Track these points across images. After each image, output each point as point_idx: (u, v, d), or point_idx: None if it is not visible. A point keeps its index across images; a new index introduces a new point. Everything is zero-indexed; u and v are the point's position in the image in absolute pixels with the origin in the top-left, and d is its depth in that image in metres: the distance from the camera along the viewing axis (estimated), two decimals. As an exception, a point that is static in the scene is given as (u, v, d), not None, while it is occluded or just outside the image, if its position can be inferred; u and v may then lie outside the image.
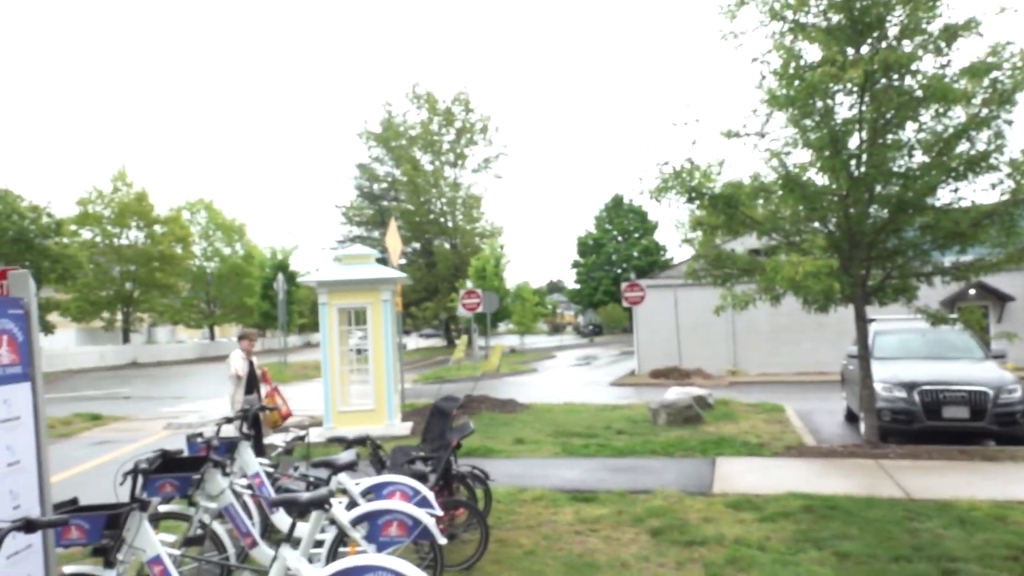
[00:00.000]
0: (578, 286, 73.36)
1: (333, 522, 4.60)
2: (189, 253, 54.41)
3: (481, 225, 57.63)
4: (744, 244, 16.70)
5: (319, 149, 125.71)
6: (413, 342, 61.18)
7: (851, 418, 13.12)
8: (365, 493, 5.44)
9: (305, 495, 3.42)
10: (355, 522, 4.77)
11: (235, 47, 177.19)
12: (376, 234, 53.74)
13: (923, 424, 10.39)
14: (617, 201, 70.17)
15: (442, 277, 53.01)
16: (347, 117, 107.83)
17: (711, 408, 13.84)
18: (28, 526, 2.74)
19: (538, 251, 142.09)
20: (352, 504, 5.24)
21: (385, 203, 58.07)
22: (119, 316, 49.88)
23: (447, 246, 55.95)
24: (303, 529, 4.72)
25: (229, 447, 5.75)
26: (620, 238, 69.69)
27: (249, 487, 5.74)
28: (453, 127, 56.93)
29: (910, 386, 10.56)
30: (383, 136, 56.52)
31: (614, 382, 23.91)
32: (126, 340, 50.91)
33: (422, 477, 5.97)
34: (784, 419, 13.04)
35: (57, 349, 43.11)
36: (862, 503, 7.08)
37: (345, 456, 4.98)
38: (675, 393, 13.28)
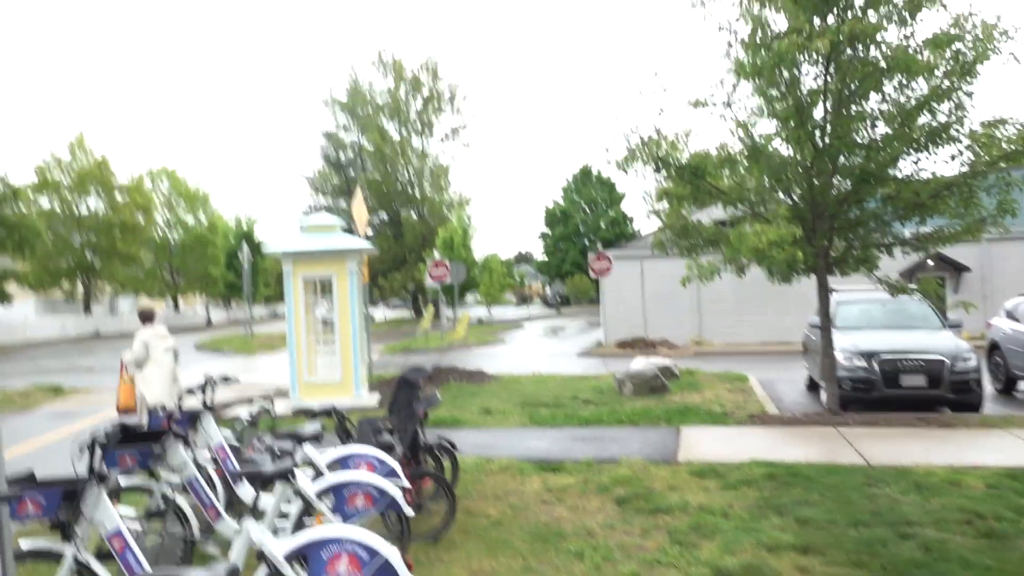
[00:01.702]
0: (545, 257, 73.45)
1: (298, 494, 4.56)
2: (151, 222, 53.35)
3: (449, 195, 57.25)
4: (710, 216, 16.83)
5: (284, 117, 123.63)
6: (381, 313, 60.89)
7: (813, 387, 13.35)
8: (331, 465, 5.41)
9: (269, 467, 3.38)
10: (321, 494, 4.73)
11: (198, 12, 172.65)
12: (343, 203, 53.16)
13: (882, 392, 10.61)
14: (585, 172, 70.14)
15: (410, 247, 52.70)
16: (312, 84, 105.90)
17: (676, 378, 13.99)
18: (-24, 503, 2.67)
19: (506, 222, 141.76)
20: (318, 476, 5.21)
21: (352, 172, 57.40)
22: (79, 286, 48.91)
23: (414, 216, 55.55)
24: (268, 501, 4.69)
25: (191, 419, 5.67)
26: (588, 209, 69.77)
27: (214, 460, 5.68)
28: (420, 95, 56.22)
29: (870, 355, 10.76)
30: (349, 104, 55.71)
31: (581, 353, 24.06)
32: (87, 311, 49.99)
33: (389, 448, 5.94)
34: (748, 388, 13.23)
35: (16, 320, 42.20)
36: (823, 470, 7.21)
37: (310, 427, 4.94)
38: (641, 363, 13.39)
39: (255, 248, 40.32)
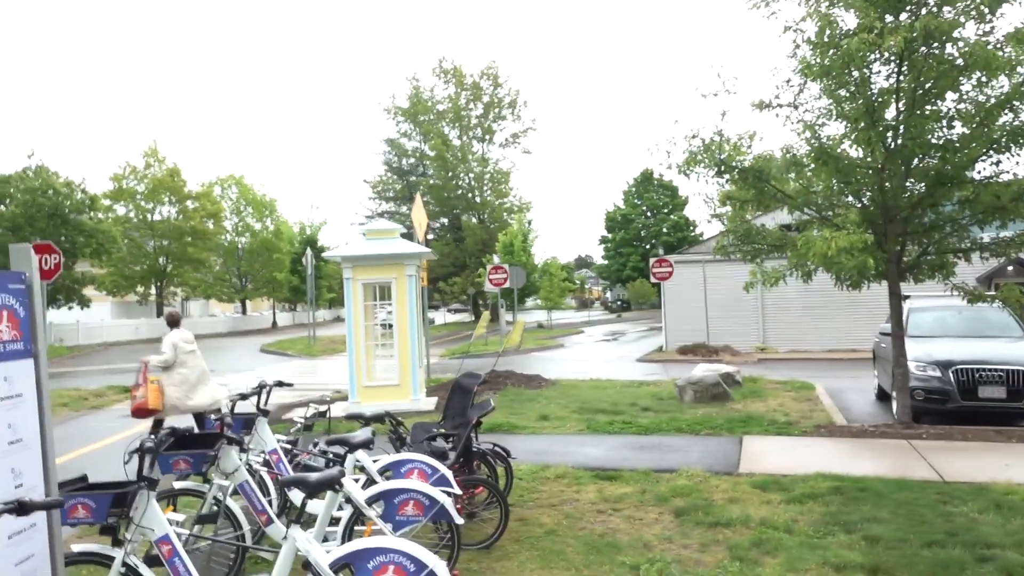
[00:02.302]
0: (606, 262, 72.95)
1: (348, 501, 4.53)
2: (220, 228, 54.84)
3: (509, 200, 57.36)
4: (775, 219, 16.39)
5: (348, 124, 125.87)
6: (441, 317, 61.33)
7: (883, 397, 12.83)
8: (383, 471, 5.38)
9: (314, 476, 3.34)
10: (371, 501, 4.70)
11: (266, 23, 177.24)
12: (405, 209, 53.75)
13: (958, 404, 10.11)
14: (646, 176, 69.45)
15: (470, 252, 52.94)
16: (376, 92, 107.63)
17: (739, 385, 13.64)
18: (20, 508, 2.68)
19: (567, 226, 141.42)
20: (370, 482, 5.18)
21: (413, 178, 58.00)
22: (152, 290, 50.56)
23: (475, 221, 55.81)
24: (319, 507, 4.68)
25: (245, 423, 5.71)
26: (649, 213, 69.08)
27: (267, 464, 5.71)
28: (481, 102, 56.52)
29: (945, 365, 10.26)
30: (411, 111, 56.31)
31: (641, 358, 23.72)
32: (160, 314, 51.66)
33: (441, 455, 5.88)
34: (814, 397, 12.80)
35: (93, 322, 43.84)
36: (893, 485, 6.88)
37: (361, 434, 4.91)
38: (702, 370, 13.09)
39: (318, 253, 40.99)
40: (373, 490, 4.72)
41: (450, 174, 55.09)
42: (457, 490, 5.35)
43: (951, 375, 10.16)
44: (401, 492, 4.78)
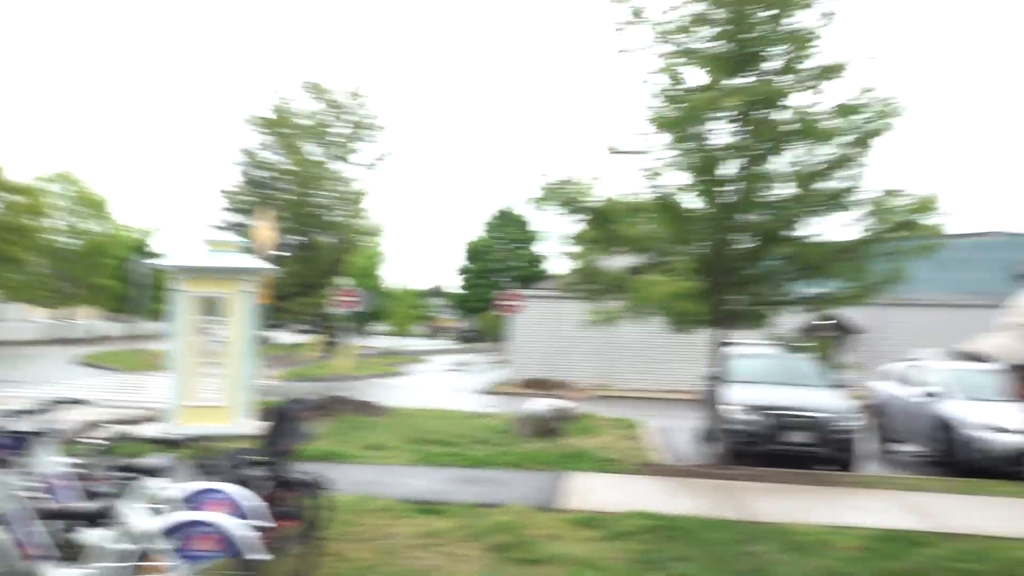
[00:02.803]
0: (463, 291, 73.17)
1: (129, 534, 4.13)
2: (40, 226, 50.45)
3: (364, 222, 56.50)
4: (622, 262, 16.98)
5: (204, 133, 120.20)
6: (284, 337, 59.15)
7: (708, 437, 13.43)
8: (185, 500, 4.97)
9: (79, 507, 2.99)
10: (166, 532, 4.31)
11: (117, 22, 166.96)
12: (259, 224, 51.66)
13: (769, 446, 10.74)
14: (506, 210, 70.54)
15: (321, 272, 51.53)
16: (236, 101, 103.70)
17: (575, 421, 13.86)
18: None
19: (426, 254, 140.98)
20: (165, 512, 4.77)
21: (271, 191, 55.98)
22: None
23: (328, 241, 54.50)
24: (103, 538, 4.23)
25: (20, 443, 5.11)
26: (507, 247, 70.08)
27: (48, 489, 5.13)
28: (345, 121, 55.59)
29: (760, 409, 10.90)
30: (273, 123, 54.51)
31: (485, 390, 23.78)
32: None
33: (254, 484, 5.54)
34: (643, 435, 13.22)
35: None
36: (704, 524, 7.14)
37: (156, 459, 4.51)
38: (538, 404, 13.21)
39: (148, 260, 38.49)
40: (165, 521, 4.34)
41: (307, 191, 53.65)
42: (267, 523, 5.04)
43: (765, 419, 10.80)
44: (198, 524, 4.42)
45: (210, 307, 12.65)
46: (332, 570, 5.66)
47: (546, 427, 12.42)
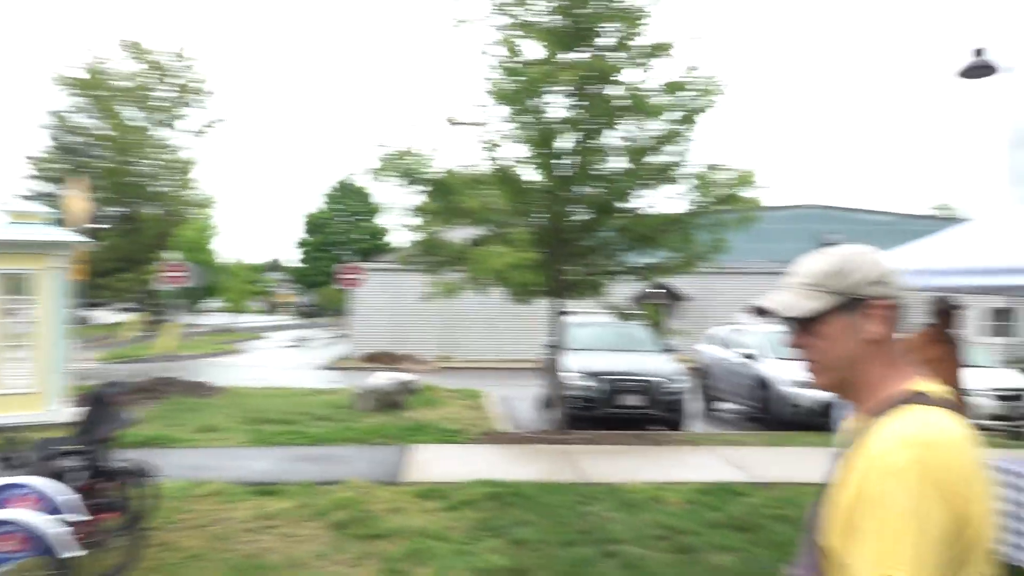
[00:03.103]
0: (303, 265, 70.95)
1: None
2: None
3: (193, 193, 53.36)
4: (462, 234, 17.01)
5: (4, 92, 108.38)
6: (106, 316, 55.06)
7: (545, 404, 13.82)
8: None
9: None
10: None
11: None
12: (69, 192, 47.45)
13: (605, 410, 11.22)
14: (347, 182, 68.86)
15: (145, 246, 48.19)
16: (44, 58, 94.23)
17: (416, 394, 13.84)
18: None
19: (260, 227, 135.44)
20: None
21: (85, 158, 51.49)
22: None
23: (153, 213, 51.06)
24: None
25: None
26: (348, 219, 68.52)
27: None
28: (169, 85, 51.99)
29: (596, 375, 11.34)
30: (86, 84, 50.02)
31: (325, 365, 23.30)
32: None
33: (67, 476, 5.12)
34: (484, 405, 13.42)
35: None
36: (543, 488, 7.33)
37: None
38: (380, 378, 13.09)
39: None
40: (-44, 522, 3.91)
41: (127, 158, 49.85)
42: (82, 516, 4.67)
43: (600, 384, 11.25)
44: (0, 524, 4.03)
45: (16, 285, 11.51)
46: (158, 561, 5.34)
47: (388, 401, 12.32)
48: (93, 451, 5.51)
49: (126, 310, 64.64)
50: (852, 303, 1.42)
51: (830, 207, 33.71)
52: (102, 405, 6.35)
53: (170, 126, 52.74)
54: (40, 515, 4.29)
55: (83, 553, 4.30)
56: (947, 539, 1.22)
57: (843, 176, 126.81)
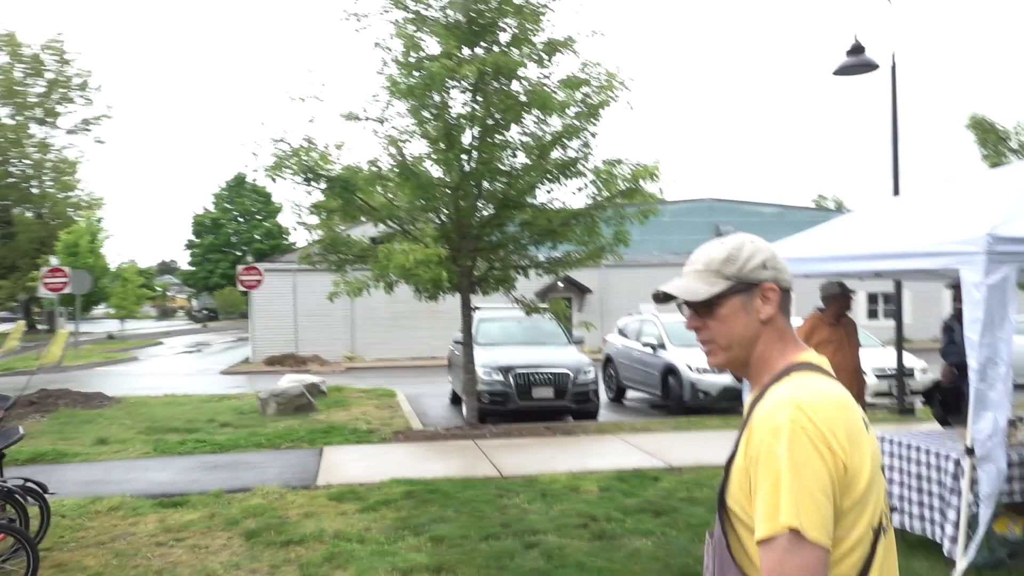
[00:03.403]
0: (193, 268, 68.27)
1: None
2: None
3: (76, 194, 50.49)
4: (365, 232, 16.76)
5: None
6: (-19, 327, 51.52)
7: (456, 401, 13.82)
8: None
9: None
10: None
11: None
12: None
13: (517, 404, 11.30)
14: (239, 180, 66.48)
15: (23, 252, 45.32)
16: None
17: (324, 395, 13.59)
18: None
19: (150, 228, 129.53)
20: None
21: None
22: None
23: (31, 216, 48.06)
24: None
25: None
26: (241, 219, 66.28)
27: None
28: (43, 78, 48.95)
29: (506, 369, 11.41)
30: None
31: (226, 370, 22.54)
32: None
33: (-53, 498, 4.77)
34: (395, 404, 13.29)
35: None
36: (460, 484, 7.33)
37: None
38: (287, 381, 12.78)
39: None
40: None
41: (0, 158, 46.67)
42: (-33, 540, 4.36)
43: (511, 378, 11.32)
44: None
45: None
46: (56, 583, 5.04)
47: (295, 404, 12.04)
48: (-22, 470, 5.15)
49: (2, 320, 60.74)
50: (745, 287, 1.52)
51: (720, 200, 34.94)
52: (-14, 421, 5.96)
53: (48, 123, 49.72)
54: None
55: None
56: (831, 487, 1.31)
57: (731, 170, 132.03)
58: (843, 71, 11.85)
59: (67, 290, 23.53)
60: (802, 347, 1.54)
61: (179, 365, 25.46)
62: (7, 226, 47.38)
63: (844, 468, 1.32)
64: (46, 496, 5.78)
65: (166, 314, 75.50)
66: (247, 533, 5.99)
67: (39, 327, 40.16)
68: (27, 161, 48.12)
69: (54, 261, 29.30)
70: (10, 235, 46.41)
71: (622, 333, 15.10)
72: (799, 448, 1.30)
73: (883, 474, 1.46)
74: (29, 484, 5.69)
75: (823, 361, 1.51)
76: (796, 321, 7.71)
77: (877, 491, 1.40)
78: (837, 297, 6.63)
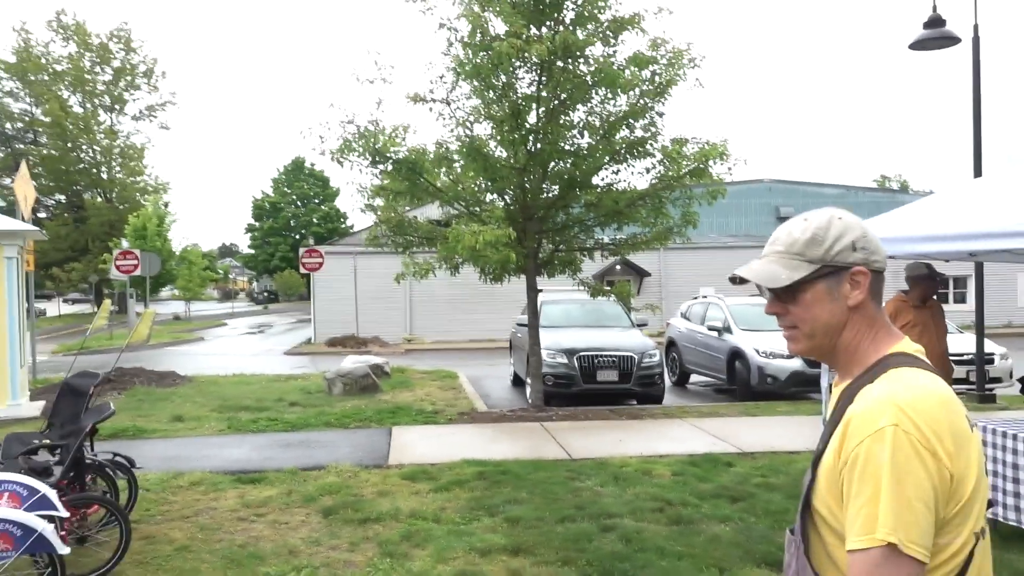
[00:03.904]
0: (253, 251, 69.78)
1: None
2: None
3: (143, 179, 51.94)
4: (426, 214, 16.85)
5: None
6: (55, 308, 53.53)
7: (518, 383, 13.83)
8: (-41, 497, 4.31)
9: None
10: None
11: None
12: (8, 180, 45.80)
13: (581, 387, 11.23)
14: (298, 164, 67.67)
15: (94, 235, 46.87)
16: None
17: (388, 376, 13.73)
18: None
19: (212, 212, 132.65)
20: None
21: (21, 146, 49.70)
22: None
23: (101, 200, 49.61)
24: None
25: None
26: (299, 203, 67.44)
27: None
28: (110, 66, 50.33)
29: (570, 352, 11.34)
30: (19, 67, 48.10)
31: (289, 351, 22.97)
32: None
33: (43, 471, 4.93)
34: (458, 385, 13.35)
35: None
36: (530, 466, 7.32)
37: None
38: (351, 362, 12.93)
39: None
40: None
41: (70, 145, 48.22)
42: (63, 512, 4.50)
43: (575, 361, 11.25)
44: (-20, 523, 3.85)
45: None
46: (146, 555, 5.18)
47: (360, 384, 12.18)
48: (67, 444, 5.32)
49: (73, 301, 63.03)
50: (831, 271, 1.41)
51: (779, 180, 34.15)
52: (74, 396, 6.14)
53: (116, 110, 51.18)
54: (24, 512, 4.12)
55: (66, 551, 4.14)
56: (934, 498, 1.22)
57: (788, 149, 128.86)
58: (920, 45, 11.37)
59: (137, 272, 24.22)
60: (896, 335, 1.43)
61: (244, 345, 26.04)
62: (79, 210, 49.03)
63: (950, 476, 1.23)
64: (133, 470, 5.96)
65: (228, 296, 77.31)
66: (324, 510, 6.07)
67: (113, 309, 41.53)
68: (96, 147, 49.62)
69: (125, 244, 30.17)
70: (82, 219, 48.02)
71: (685, 316, 14.89)
72: (902, 455, 1.21)
73: (986, 475, 1.35)
74: (118, 458, 5.87)
75: (919, 350, 1.40)
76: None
77: (982, 496, 1.30)
78: (924, 279, 6.39)
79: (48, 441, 5.58)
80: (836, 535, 1.30)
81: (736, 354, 12.28)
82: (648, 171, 10.64)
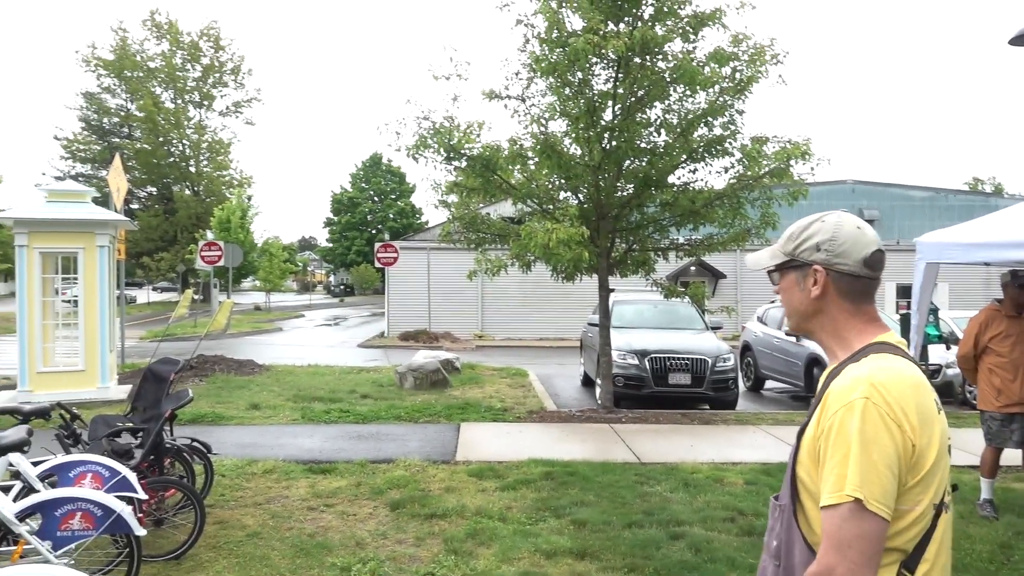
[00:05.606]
0: (331, 245, 71.36)
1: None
2: None
3: (228, 173, 53.78)
4: (499, 211, 16.87)
5: (34, 70, 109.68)
6: (144, 295, 55.90)
7: (587, 383, 13.70)
8: (46, 476, 4.50)
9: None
10: (26, 514, 3.87)
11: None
12: (104, 173, 47.95)
13: (652, 389, 11.04)
14: (375, 160, 68.88)
15: (181, 226, 48.79)
16: (71, 35, 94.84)
17: (458, 372, 13.79)
18: None
19: (292, 206, 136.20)
20: (29, 491, 4.30)
21: (116, 140, 52.05)
22: None
23: (188, 193, 51.55)
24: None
25: None
26: (376, 198, 68.64)
27: None
28: (200, 64, 52.26)
29: (642, 353, 11.15)
30: (116, 64, 50.38)
31: (363, 344, 23.35)
32: None
33: (125, 454, 5.10)
34: (527, 383, 13.31)
35: None
36: (598, 468, 7.22)
37: (12, 433, 4.02)
38: (422, 357, 13.04)
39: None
40: (27, 502, 3.89)
41: (161, 139, 50.27)
42: (142, 495, 4.64)
43: (647, 363, 11.07)
44: (65, 502, 4.00)
45: (62, 264, 11.62)
46: (218, 540, 5.31)
47: (431, 379, 12.27)
48: (149, 428, 5.48)
49: (161, 289, 65.67)
50: (798, 265, 1.64)
51: (863, 182, 32.90)
52: (156, 382, 6.34)
53: (205, 106, 53.04)
54: (105, 493, 4.25)
55: (144, 532, 4.26)
56: (898, 465, 1.39)
57: (877, 150, 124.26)
58: (1021, 40, 10.74)
59: (221, 263, 25.02)
60: (883, 328, 1.59)
61: (319, 337, 26.62)
62: (168, 202, 51.08)
63: (912, 447, 1.41)
64: (209, 456, 6.12)
65: (306, 288, 79.28)
66: (392, 504, 6.11)
67: (195, 297, 43.11)
68: (186, 142, 51.57)
69: (210, 235, 31.21)
70: (171, 210, 50.00)
71: (761, 320, 14.50)
72: (870, 424, 1.39)
73: (949, 454, 1.53)
74: (195, 444, 6.04)
75: (902, 342, 1.56)
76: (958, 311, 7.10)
77: (942, 471, 1.48)
78: (1018, 288, 6.03)
79: (131, 424, 5.77)
80: (814, 499, 1.47)
81: (815, 360, 11.87)
82: (726, 170, 10.38)
